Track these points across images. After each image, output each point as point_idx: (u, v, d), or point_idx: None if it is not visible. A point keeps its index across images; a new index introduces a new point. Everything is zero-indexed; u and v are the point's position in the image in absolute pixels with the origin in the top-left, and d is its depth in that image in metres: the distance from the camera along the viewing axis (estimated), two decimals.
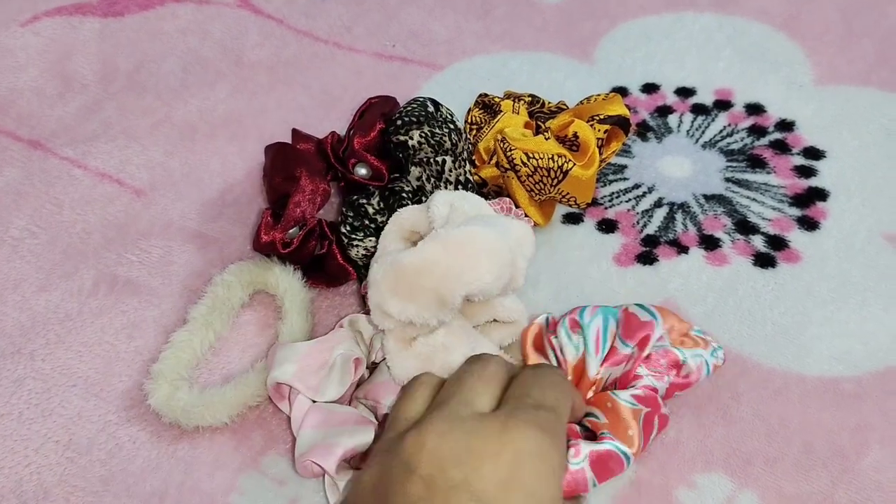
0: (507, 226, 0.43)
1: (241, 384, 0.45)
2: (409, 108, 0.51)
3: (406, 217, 0.45)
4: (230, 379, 0.46)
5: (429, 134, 0.49)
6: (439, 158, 0.50)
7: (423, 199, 0.49)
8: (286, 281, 0.48)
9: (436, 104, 0.52)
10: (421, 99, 0.52)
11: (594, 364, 0.41)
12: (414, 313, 0.40)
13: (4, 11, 0.72)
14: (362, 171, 0.51)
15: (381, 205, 0.49)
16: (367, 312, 0.43)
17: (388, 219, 0.48)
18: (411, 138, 0.49)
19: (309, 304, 0.48)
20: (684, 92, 0.63)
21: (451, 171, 0.50)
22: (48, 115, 0.63)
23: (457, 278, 0.39)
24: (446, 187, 0.50)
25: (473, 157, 0.54)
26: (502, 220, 0.44)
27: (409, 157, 0.49)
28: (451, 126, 0.51)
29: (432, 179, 0.50)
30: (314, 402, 0.43)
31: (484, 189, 0.54)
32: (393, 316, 0.41)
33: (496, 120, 0.54)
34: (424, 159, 0.49)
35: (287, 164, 0.51)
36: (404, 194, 0.49)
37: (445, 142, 0.50)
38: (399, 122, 0.50)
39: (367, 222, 0.48)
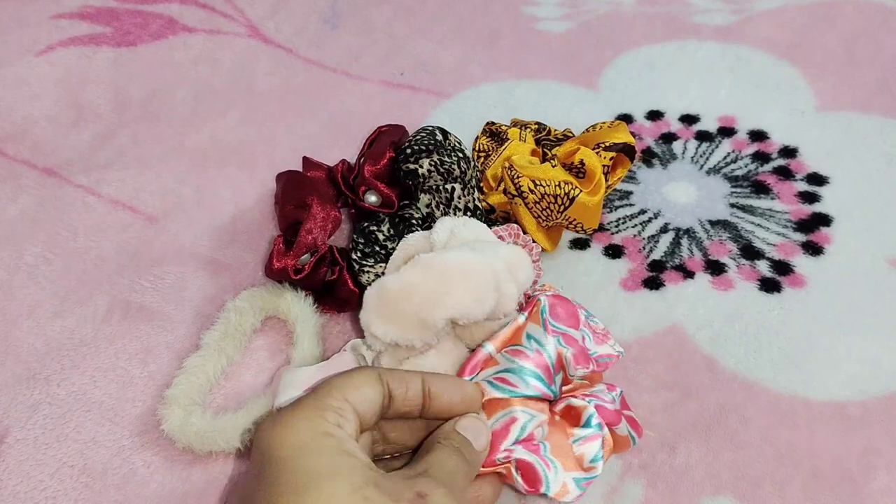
0: (496, 252, 0.44)
1: (254, 409, 0.45)
2: (419, 137, 0.52)
3: (411, 244, 0.46)
4: (243, 404, 0.46)
5: (438, 162, 0.50)
6: (448, 186, 0.51)
7: (433, 225, 0.50)
8: (298, 307, 0.49)
9: (444, 132, 0.53)
10: (429, 128, 0.53)
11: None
12: (397, 335, 0.41)
13: (20, 42, 0.73)
14: (372, 198, 0.52)
15: (391, 231, 0.49)
16: None
17: (397, 245, 0.48)
18: (421, 167, 0.50)
19: (320, 329, 0.49)
20: (688, 119, 0.64)
21: (459, 198, 0.51)
22: (62, 144, 0.64)
23: (436, 302, 0.41)
24: (455, 214, 0.51)
25: (482, 184, 0.55)
26: (493, 247, 0.45)
27: (419, 185, 0.50)
28: (460, 154, 0.52)
29: (441, 206, 0.51)
30: None
31: (492, 215, 0.55)
32: (378, 338, 0.42)
33: (503, 147, 0.55)
34: (434, 187, 0.50)
35: (298, 191, 0.52)
36: (414, 221, 0.50)
37: (454, 170, 0.51)
38: (409, 151, 0.51)
39: (377, 249, 0.49)
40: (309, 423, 0.32)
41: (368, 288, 0.43)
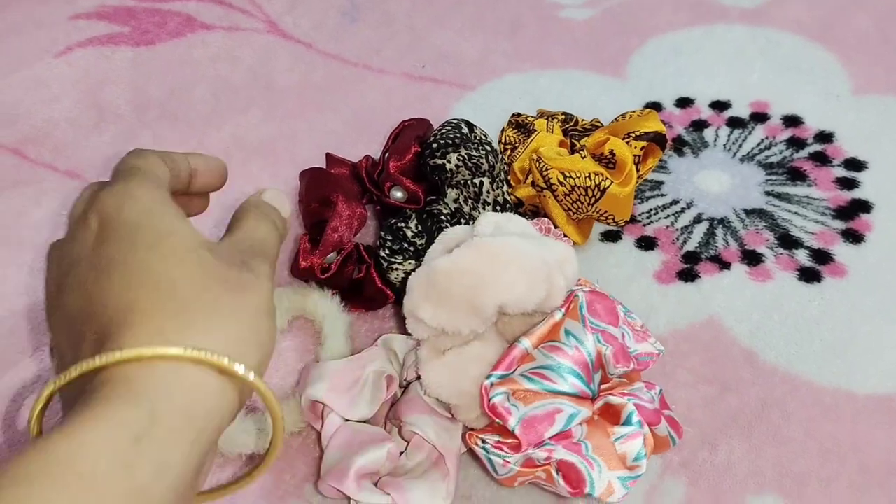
0: (548, 244, 0.43)
1: (284, 411, 0.44)
2: (444, 131, 0.50)
3: (452, 237, 0.44)
4: None
5: (466, 157, 0.49)
6: (476, 180, 0.49)
7: (461, 220, 0.49)
8: (325, 306, 0.48)
9: (470, 125, 0.51)
10: (455, 121, 0.51)
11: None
12: (445, 320, 0.40)
13: (38, 43, 0.73)
14: (398, 194, 0.51)
15: (419, 228, 0.48)
16: (406, 332, 0.43)
17: (426, 241, 0.47)
18: (449, 161, 0.49)
19: (348, 328, 0.48)
20: (719, 105, 0.63)
21: (488, 192, 0.50)
22: (84, 146, 0.63)
23: (488, 286, 0.39)
24: (484, 208, 0.50)
25: (509, 177, 0.53)
26: (545, 239, 0.44)
27: (447, 180, 0.49)
28: (488, 148, 0.51)
29: (469, 201, 0.50)
30: (346, 420, 0.42)
31: (521, 209, 0.53)
32: (425, 322, 0.40)
33: (531, 139, 0.54)
34: (462, 181, 0.49)
35: (323, 188, 0.51)
36: (442, 217, 0.49)
37: (483, 164, 0.50)
38: (435, 146, 0.50)
39: (405, 245, 0.48)
40: (149, 192, 0.34)
41: (414, 273, 0.42)
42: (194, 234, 0.33)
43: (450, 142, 0.50)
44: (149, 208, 0.33)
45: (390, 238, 0.48)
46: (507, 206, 0.51)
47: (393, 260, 0.47)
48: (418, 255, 0.47)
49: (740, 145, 0.59)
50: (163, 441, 0.27)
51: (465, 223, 0.49)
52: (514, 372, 0.40)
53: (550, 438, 0.38)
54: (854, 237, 0.53)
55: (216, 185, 0.41)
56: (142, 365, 0.28)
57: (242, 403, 0.32)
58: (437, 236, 0.46)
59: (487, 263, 0.39)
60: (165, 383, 0.28)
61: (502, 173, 0.52)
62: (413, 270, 0.47)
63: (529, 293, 0.40)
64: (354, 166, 0.54)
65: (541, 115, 0.58)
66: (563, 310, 0.41)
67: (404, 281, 0.48)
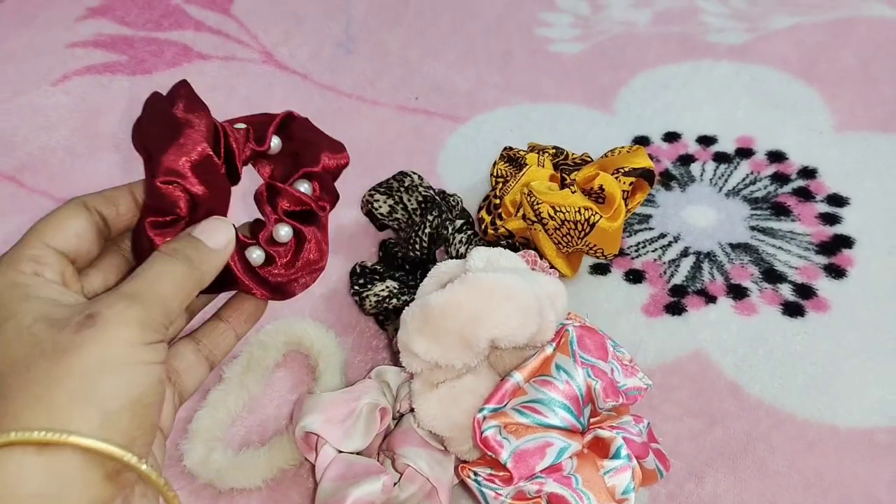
0: (539, 279, 0.44)
1: (276, 448, 0.45)
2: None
3: (444, 272, 0.45)
4: (265, 436, 0.46)
5: (380, 189, 0.55)
6: (397, 205, 0.55)
7: (411, 243, 0.52)
8: (321, 342, 0.49)
9: (412, 174, 0.55)
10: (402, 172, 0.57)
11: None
12: (439, 354, 0.41)
13: (35, 71, 0.73)
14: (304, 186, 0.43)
15: (380, 254, 0.52)
16: (399, 364, 0.44)
17: (384, 265, 0.50)
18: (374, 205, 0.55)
19: (343, 364, 0.49)
20: (706, 140, 0.64)
21: (405, 207, 0.54)
22: (80, 174, 0.64)
23: (481, 321, 0.40)
24: (422, 228, 0.53)
25: (500, 211, 0.55)
26: (535, 274, 0.45)
27: (383, 220, 0.55)
28: (399, 177, 0.55)
29: (404, 225, 0.54)
30: (340, 451, 0.43)
31: (511, 241, 0.54)
32: (419, 356, 0.41)
33: (522, 173, 0.55)
34: (388, 215, 0.55)
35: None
36: (390, 243, 0.54)
37: (392, 184, 0.55)
38: (364, 199, 0.56)
39: (367, 273, 0.51)
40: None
41: (408, 307, 0.43)
42: (32, 311, 0.30)
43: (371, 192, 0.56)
44: None
45: (355, 276, 0.52)
46: (430, 200, 0.54)
47: (363, 291, 0.50)
48: (383, 278, 0.49)
49: (726, 180, 0.61)
50: None
51: (415, 244, 0.52)
52: (505, 405, 0.40)
53: (541, 471, 0.39)
54: (836, 272, 0.54)
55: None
56: None
57: (117, 474, 0.29)
58: (392, 256, 0.49)
59: (481, 299, 0.40)
60: None
61: (419, 188, 0.55)
62: (382, 291, 0.50)
63: (522, 328, 0.41)
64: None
65: (532, 148, 0.59)
66: (554, 344, 0.42)
67: (378, 304, 0.49)
